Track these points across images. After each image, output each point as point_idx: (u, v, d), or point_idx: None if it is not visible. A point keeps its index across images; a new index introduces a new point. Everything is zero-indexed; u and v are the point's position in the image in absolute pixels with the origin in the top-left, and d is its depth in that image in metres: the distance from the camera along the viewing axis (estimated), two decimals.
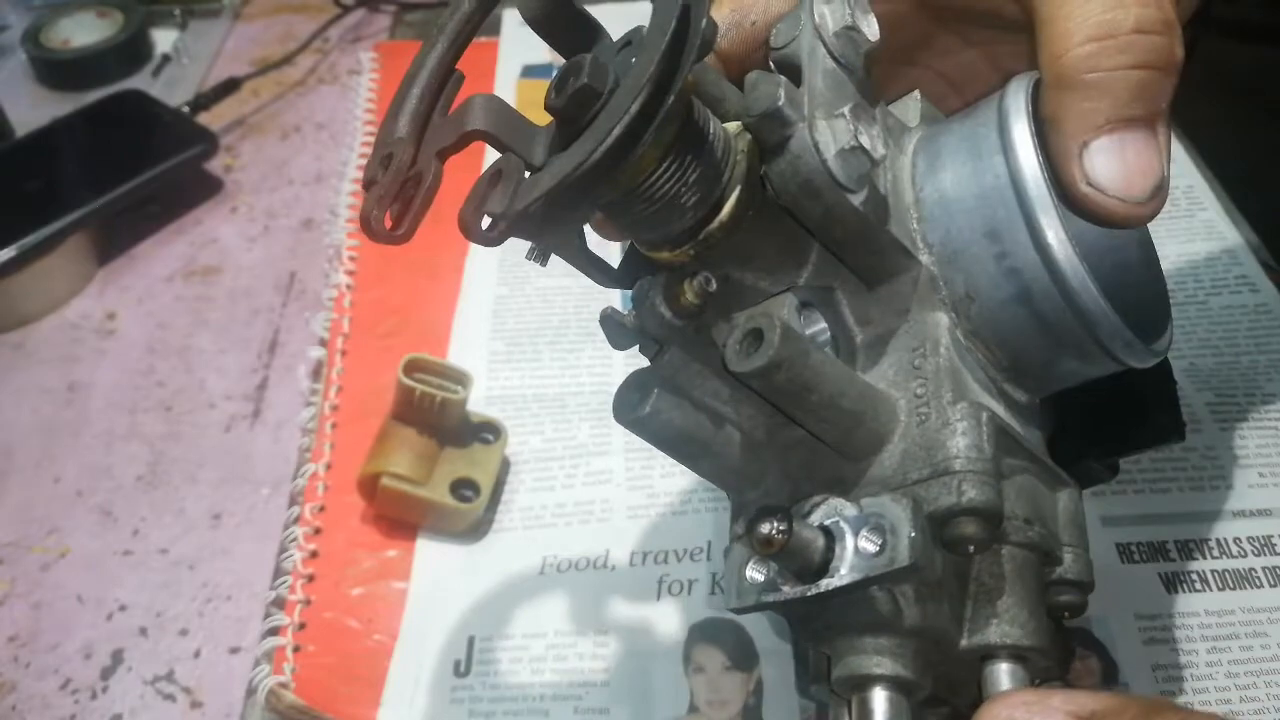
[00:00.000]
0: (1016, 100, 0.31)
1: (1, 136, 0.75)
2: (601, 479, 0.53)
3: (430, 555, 0.51)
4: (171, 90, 0.81)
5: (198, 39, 0.88)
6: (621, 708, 0.45)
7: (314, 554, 0.51)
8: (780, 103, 0.28)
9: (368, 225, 0.27)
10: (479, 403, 0.56)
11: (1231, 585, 0.48)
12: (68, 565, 0.53)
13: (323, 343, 0.61)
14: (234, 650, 0.49)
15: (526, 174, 0.27)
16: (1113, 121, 0.29)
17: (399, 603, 0.49)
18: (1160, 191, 0.30)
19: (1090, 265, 0.29)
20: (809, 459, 0.31)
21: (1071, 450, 0.34)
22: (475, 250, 0.65)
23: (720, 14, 0.36)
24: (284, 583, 0.50)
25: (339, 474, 0.54)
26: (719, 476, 0.33)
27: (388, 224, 0.27)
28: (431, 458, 0.51)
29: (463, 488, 0.51)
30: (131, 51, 0.84)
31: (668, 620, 0.48)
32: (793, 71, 0.30)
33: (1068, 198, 0.30)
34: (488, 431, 0.53)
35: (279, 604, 0.49)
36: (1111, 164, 0.29)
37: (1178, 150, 0.70)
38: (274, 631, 0.48)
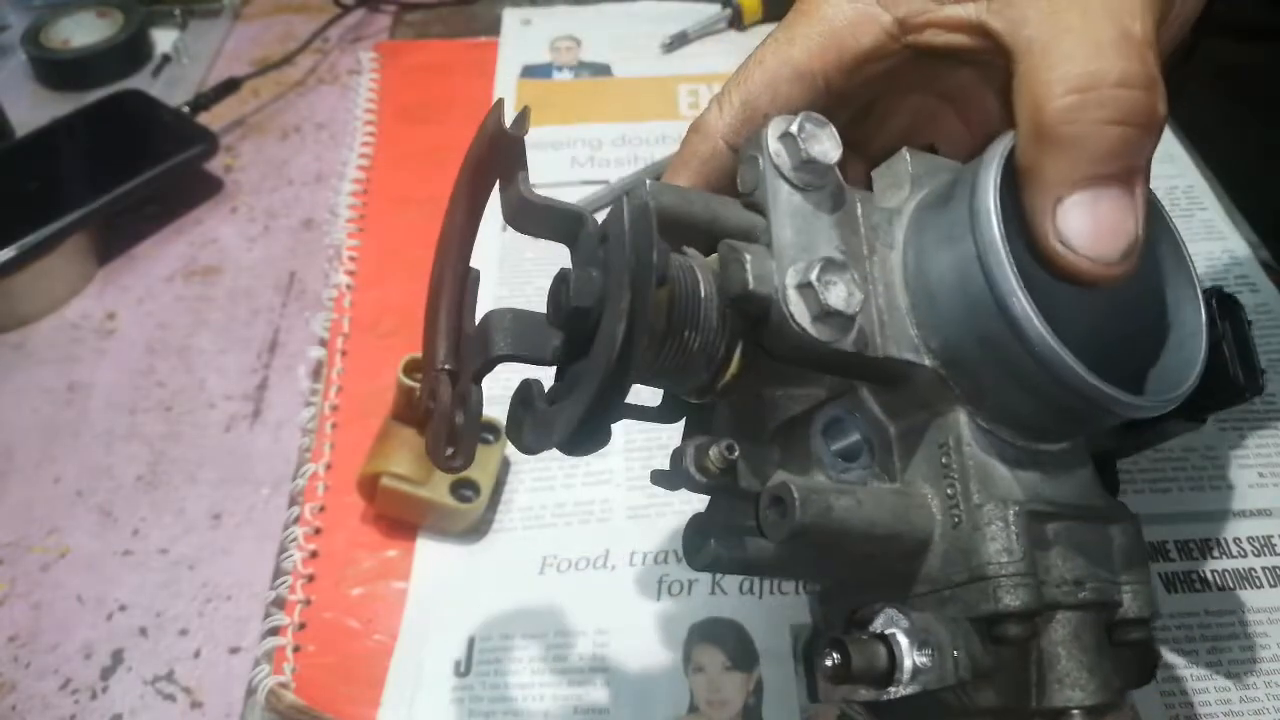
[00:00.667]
0: (986, 191, 0.30)
1: (1, 136, 0.75)
2: (601, 479, 0.53)
3: (430, 555, 0.51)
4: (171, 90, 0.81)
5: (198, 39, 0.88)
6: (621, 707, 0.45)
7: (314, 554, 0.51)
8: (750, 286, 0.30)
9: (436, 459, 0.31)
10: None
11: (1231, 585, 0.48)
12: (68, 565, 0.53)
13: (323, 343, 0.61)
14: (234, 650, 0.49)
15: (545, 396, 0.31)
16: (1088, 178, 0.29)
17: (399, 603, 0.49)
18: (1131, 253, 0.29)
19: (1089, 350, 0.29)
20: (865, 567, 0.33)
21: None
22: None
23: (731, 106, 0.36)
24: (284, 583, 0.50)
25: (339, 474, 0.54)
26: (797, 581, 0.37)
27: (447, 453, 0.31)
28: None
29: (462, 488, 0.51)
30: (131, 52, 0.84)
31: (668, 620, 0.48)
32: (764, 213, 0.32)
33: (1038, 253, 0.30)
34: (488, 432, 0.53)
35: (279, 604, 0.49)
36: (1084, 222, 0.29)
37: (1178, 150, 0.70)
38: (274, 631, 0.48)
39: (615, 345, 0.27)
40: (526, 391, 0.32)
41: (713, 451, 0.30)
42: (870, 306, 0.31)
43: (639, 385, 0.34)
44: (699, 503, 0.52)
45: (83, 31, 0.84)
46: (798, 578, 0.37)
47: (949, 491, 0.31)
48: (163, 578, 0.52)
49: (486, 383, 0.57)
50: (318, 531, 0.52)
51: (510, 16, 0.86)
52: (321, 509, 0.53)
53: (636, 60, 0.82)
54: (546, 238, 0.32)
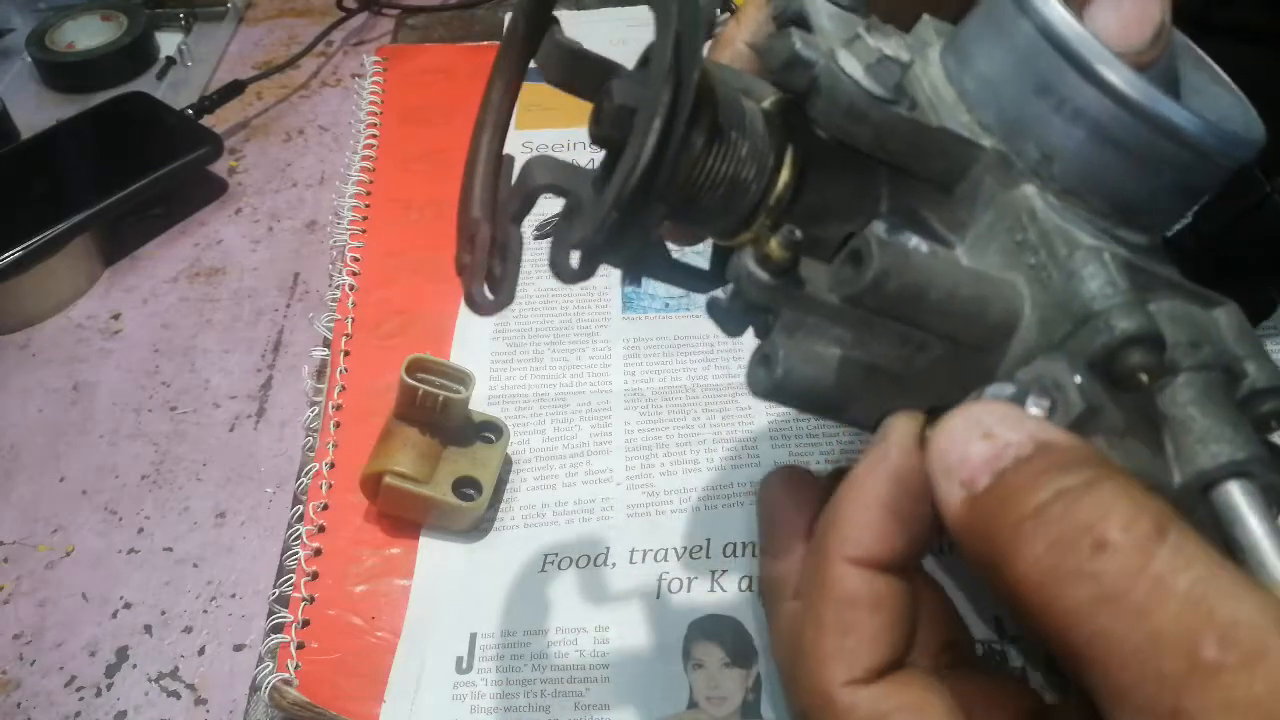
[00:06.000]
0: None
1: (7, 139, 0.75)
2: (602, 477, 0.54)
3: (433, 553, 0.51)
4: (176, 93, 0.82)
5: (201, 42, 0.89)
6: (622, 703, 0.45)
7: (318, 552, 0.51)
8: (797, 48, 0.28)
9: (473, 303, 0.29)
10: (481, 402, 0.57)
11: None
12: (73, 563, 0.53)
13: (326, 343, 0.62)
14: (238, 647, 0.50)
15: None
16: None
17: (402, 600, 0.49)
18: (1160, 37, 0.30)
19: (1148, 77, 0.29)
20: (952, 370, 0.30)
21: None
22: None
23: (748, 15, 0.37)
24: (288, 580, 0.50)
25: (342, 473, 0.54)
26: (869, 421, 0.32)
27: (489, 295, 0.29)
28: (434, 457, 0.51)
29: (465, 486, 0.51)
30: (136, 55, 0.84)
31: (667, 617, 0.48)
32: (800, 24, 0.31)
33: None
34: (489, 430, 0.54)
35: (283, 601, 0.50)
36: (1110, 17, 0.30)
37: None
38: (278, 629, 0.48)
39: (666, 94, 0.26)
40: (569, 207, 0.30)
41: (774, 240, 0.28)
42: (918, 88, 0.30)
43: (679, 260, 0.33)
44: (696, 501, 0.53)
45: (87, 35, 0.84)
46: (878, 413, 0.32)
47: (1031, 261, 0.29)
48: (167, 576, 0.53)
49: (489, 383, 0.58)
50: (321, 530, 0.52)
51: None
52: (325, 507, 0.53)
53: None
54: (580, 94, 0.31)
